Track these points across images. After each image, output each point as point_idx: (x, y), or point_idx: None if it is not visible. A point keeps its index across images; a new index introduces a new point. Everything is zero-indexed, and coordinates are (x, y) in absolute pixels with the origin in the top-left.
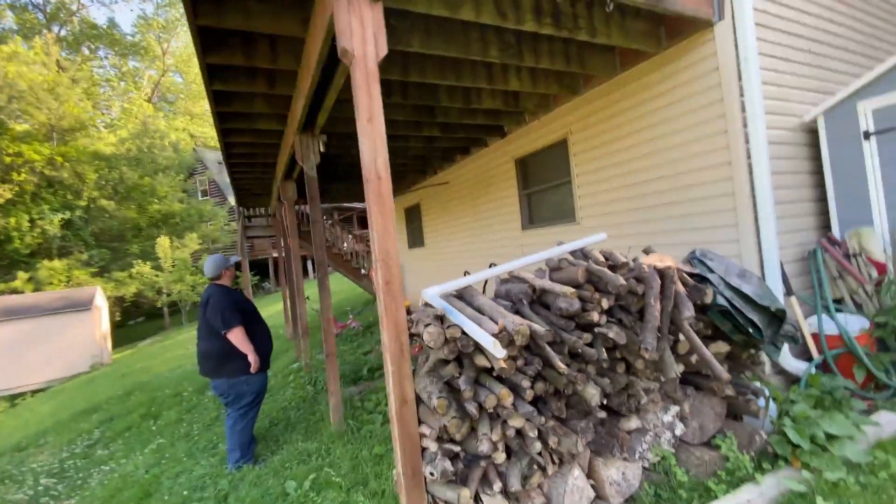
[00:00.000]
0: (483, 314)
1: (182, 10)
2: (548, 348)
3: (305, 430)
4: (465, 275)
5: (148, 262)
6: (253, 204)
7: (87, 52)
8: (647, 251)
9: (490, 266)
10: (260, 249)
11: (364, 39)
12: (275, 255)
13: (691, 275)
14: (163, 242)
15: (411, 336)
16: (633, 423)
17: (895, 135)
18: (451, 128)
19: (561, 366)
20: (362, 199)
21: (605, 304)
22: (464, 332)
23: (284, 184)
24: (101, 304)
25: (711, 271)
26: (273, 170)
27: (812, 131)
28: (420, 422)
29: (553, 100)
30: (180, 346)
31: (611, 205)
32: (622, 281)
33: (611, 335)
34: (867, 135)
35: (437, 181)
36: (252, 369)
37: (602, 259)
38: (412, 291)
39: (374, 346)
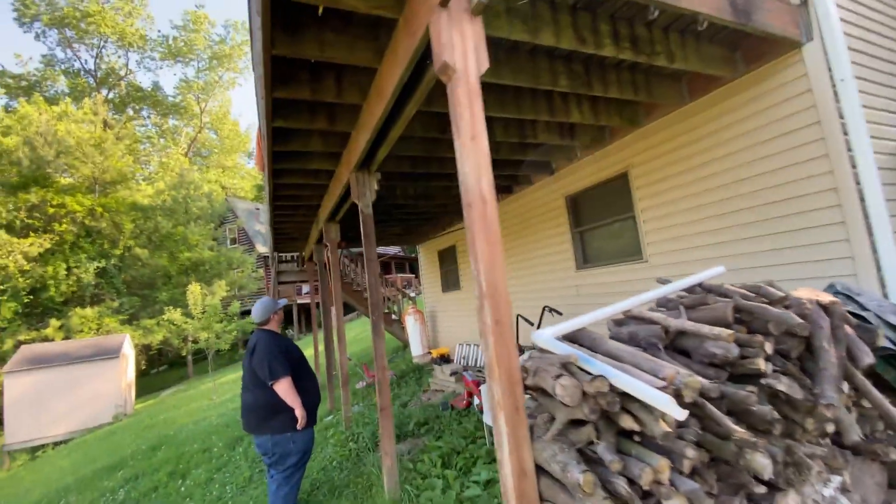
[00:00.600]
0: (622, 362)
1: (221, 72)
2: (709, 406)
3: (354, 497)
4: (517, 319)
5: (178, 309)
6: (288, 249)
7: (131, 112)
8: (772, 286)
9: (545, 309)
10: (285, 296)
11: (465, 53)
12: (300, 301)
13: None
14: (194, 289)
15: (527, 389)
16: (792, 499)
17: None
18: (499, 165)
19: (736, 429)
20: (395, 243)
21: (769, 348)
22: (612, 387)
23: (328, 225)
24: (129, 352)
25: (864, 308)
26: (315, 212)
27: None
28: (542, 499)
29: (610, 133)
30: (204, 396)
31: (685, 240)
32: (797, 319)
33: (781, 388)
34: None
35: None
36: (299, 425)
37: (750, 294)
38: (447, 337)
39: (413, 396)
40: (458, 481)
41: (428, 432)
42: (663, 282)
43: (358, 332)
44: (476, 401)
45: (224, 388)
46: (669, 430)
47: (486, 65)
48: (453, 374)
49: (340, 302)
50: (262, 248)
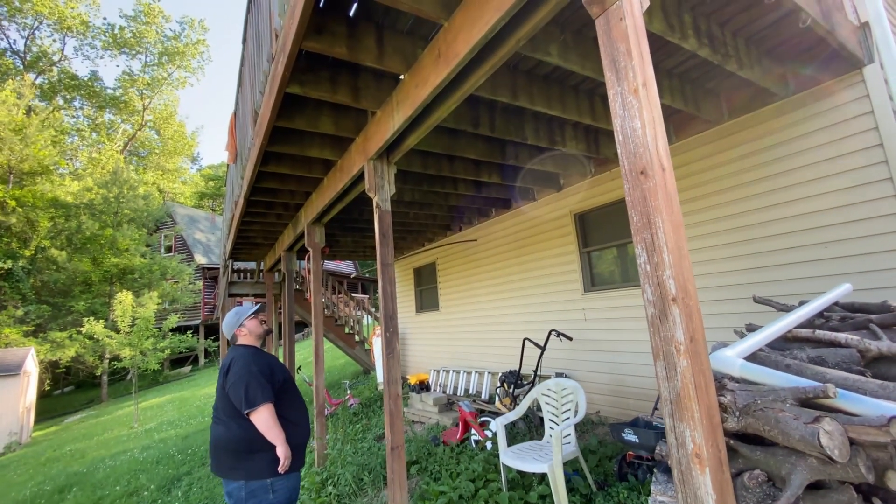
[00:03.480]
0: (867, 396)
1: (171, 69)
2: None
3: None
4: (524, 343)
5: (100, 321)
6: (246, 257)
7: (61, 101)
8: None
9: (552, 333)
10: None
11: None
12: None
13: None
14: (124, 298)
15: (732, 435)
16: None
17: None
18: (512, 174)
19: None
20: (357, 257)
21: None
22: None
23: (312, 228)
24: (32, 369)
25: None
26: (292, 213)
27: None
28: None
29: None
30: (122, 423)
31: (712, 265)
32: None
33: None
34: None
35: (462, 238)
36: (281, 467)
37: None
38: (418, 362)
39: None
40: None
41: (421, 472)
42: (804, 303)
43: (308, 353)
44: (475, 435)
45: (147, 414)
46: None
47: (647, 1)
48: (446, 403)
49: (321, 317)
50: (202, 259)
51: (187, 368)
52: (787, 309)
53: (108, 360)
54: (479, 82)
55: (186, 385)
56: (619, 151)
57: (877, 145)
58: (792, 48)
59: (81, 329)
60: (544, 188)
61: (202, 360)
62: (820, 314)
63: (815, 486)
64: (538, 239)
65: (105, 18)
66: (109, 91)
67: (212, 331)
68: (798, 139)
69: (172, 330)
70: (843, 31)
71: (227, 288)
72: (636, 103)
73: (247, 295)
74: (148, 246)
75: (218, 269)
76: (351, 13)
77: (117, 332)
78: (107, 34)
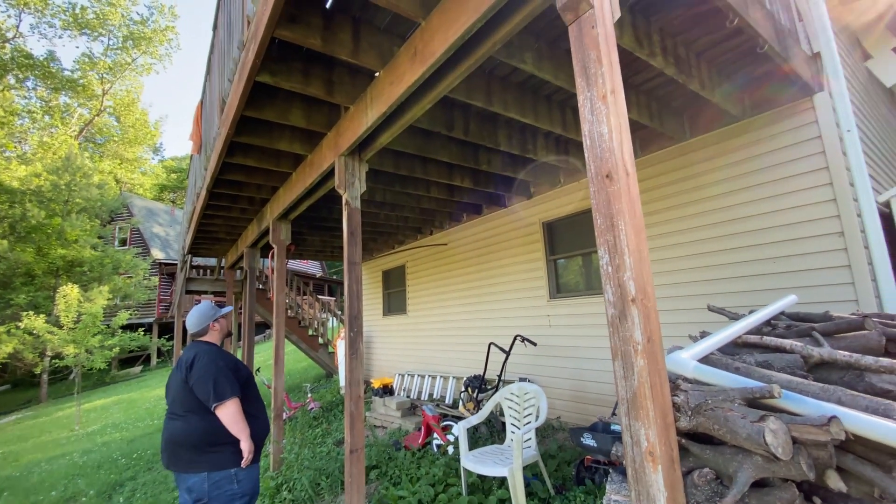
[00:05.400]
0: (812, 398)
1: (135, 54)
2: None
3: None
4: (489, 347)
5: (41, 316)
6: (206, 252)
7: (12, 80)
8: None
9: (517, 338)
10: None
11: None
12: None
13: None
14: (69, 292)
15: (684, 434)
16: None
17: None
18: (484, 180)
19: None
20: (325, 258)
21: None
22: (848, 434)
23: (278, 224)
24: None
25: None
26: (257, 208)
27: (882, 215)
28: None
29: None
30: (62, 425)
31: (671, 275)
32: None
33: None
34: None
35: (433, 241)
36: (244, 462)
37: (890, 322)
38: (383, 366)
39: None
40: None
41: (381, 477)
42: (752, 312)
43: (268, 355)
44: (437, 439)
45: (91, 417)
46: None
47: (618, 13)
48: (410, 407)
49: (283, 316)
50: (159, 254)
51: (137, 368)
52: (739, 318)
53: (49, 358)
54: (455, 83)
55: (136, 386)
56: (586, 155)
57: (823, 168)
58: (750, 73)
59: (20, 324)
60: (515, 195)
61: (154, 360)
62: (768, 322)
63: (760, 484)
64: (507, 245)
65: None
66: (67, 73)
67: (166, 329)
68: (752, 159)
69: (123, 327)
70: (797, 60)
71: (184, 284)
72: (604, 109)
73: (205, 292)
74: (100, 238)
75: (176, 265)
76: (327, 4)
77: (60, 327)
78: (67, 13)
